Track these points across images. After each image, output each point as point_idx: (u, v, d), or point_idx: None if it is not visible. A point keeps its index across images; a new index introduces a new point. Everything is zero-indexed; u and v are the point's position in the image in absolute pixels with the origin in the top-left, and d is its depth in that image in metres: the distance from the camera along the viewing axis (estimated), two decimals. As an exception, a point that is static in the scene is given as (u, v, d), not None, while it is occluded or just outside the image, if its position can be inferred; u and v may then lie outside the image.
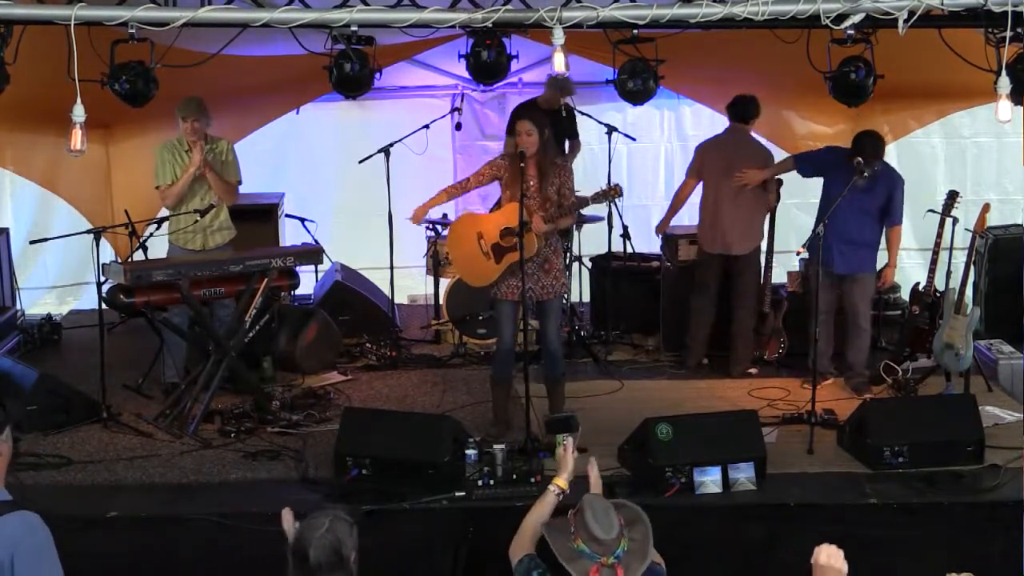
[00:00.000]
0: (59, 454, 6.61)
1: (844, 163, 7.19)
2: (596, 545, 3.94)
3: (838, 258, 7.35)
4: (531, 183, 6.68)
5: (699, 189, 8.12)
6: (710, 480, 5.99)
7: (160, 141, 7.72)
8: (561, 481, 4.56)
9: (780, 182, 8.03)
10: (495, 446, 6.18)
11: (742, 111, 8.00)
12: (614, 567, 3.93)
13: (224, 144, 7.65)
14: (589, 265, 9.18)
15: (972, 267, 7.68)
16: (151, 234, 8.34)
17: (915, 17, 5.79)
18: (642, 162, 9.17)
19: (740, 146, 8.00)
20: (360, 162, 8.78)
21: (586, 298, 9.25)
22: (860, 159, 7.04)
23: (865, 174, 6.96)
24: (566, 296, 8.67)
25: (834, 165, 7.37)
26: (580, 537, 3.98)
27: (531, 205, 6.64)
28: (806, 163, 7.80)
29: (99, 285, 7.07)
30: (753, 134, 8.14)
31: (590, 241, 9.13)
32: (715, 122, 8.40)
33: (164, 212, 7.63)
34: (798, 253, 6.96)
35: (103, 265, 7.09)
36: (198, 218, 7.45)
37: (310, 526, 3.65)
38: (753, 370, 8.03)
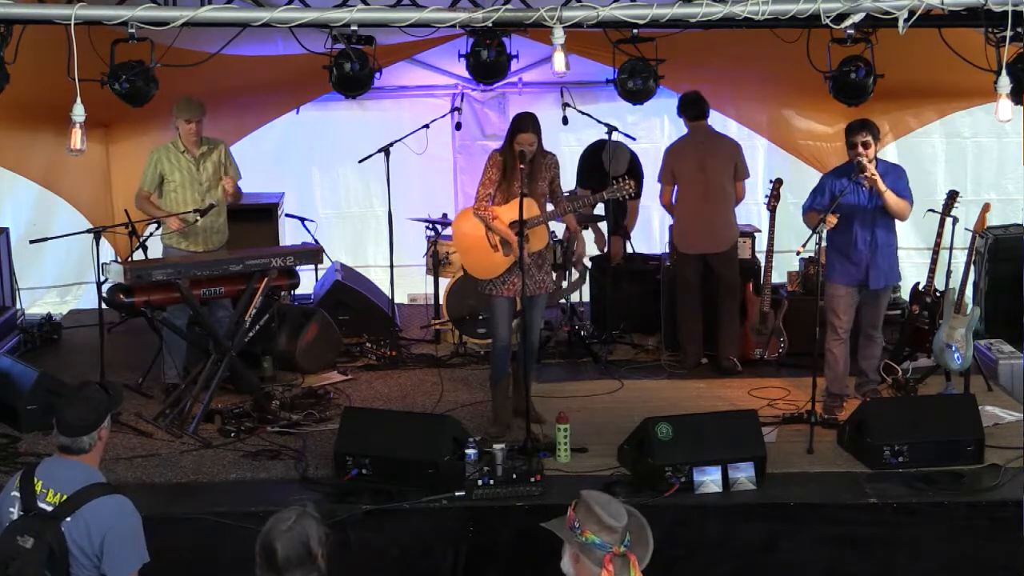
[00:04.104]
0: (59, 454, 6.61)
1: (846, 173, 7.00)
2: (608, 534, 3.88)
3: (874, 273, 7.04)
4: (523, 179, 6.69)
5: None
6: (710, 480, 5.98)
7: (160, 141, 7.72)
8: None
9: (780, 181, 8.04)
10: (495, 446, 6.17)
11: (697, 110, 8.05)
12: (626, 555, 3.87)
13: (223, 146, 7.63)
14: (589, 265, 9.18)
15: (972, 267, 7.67)
16: (151, 234, 8.35)
17: (915, 17, 5.80)
18: (642, 163, 9.16)
19: (708, 143, 8.06)
20: (360, 162, 8.79)
21: (586, 298, 9.25)
22: (859, 159, 7.00)
23: (862, 170, 6.87)
24: (565, 298, 8.74)
25: (838, 181, 7.04)
26: (588, 530, 3.92)
27: (535, 200, 6.72)
28: (814, 198, 7.13)
29: (99, 285, 7.07)
30: (732, 127, 8.15)
31: (590, 241, 9.11)
32: (715, 121, 8.40)
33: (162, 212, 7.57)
34: (798, 253, 6.94)
35: (103, 265, 7.09)
36: (198, 218, 7.44)
37: (277, 520, 3.64)
38: (738, 365, 8.01)
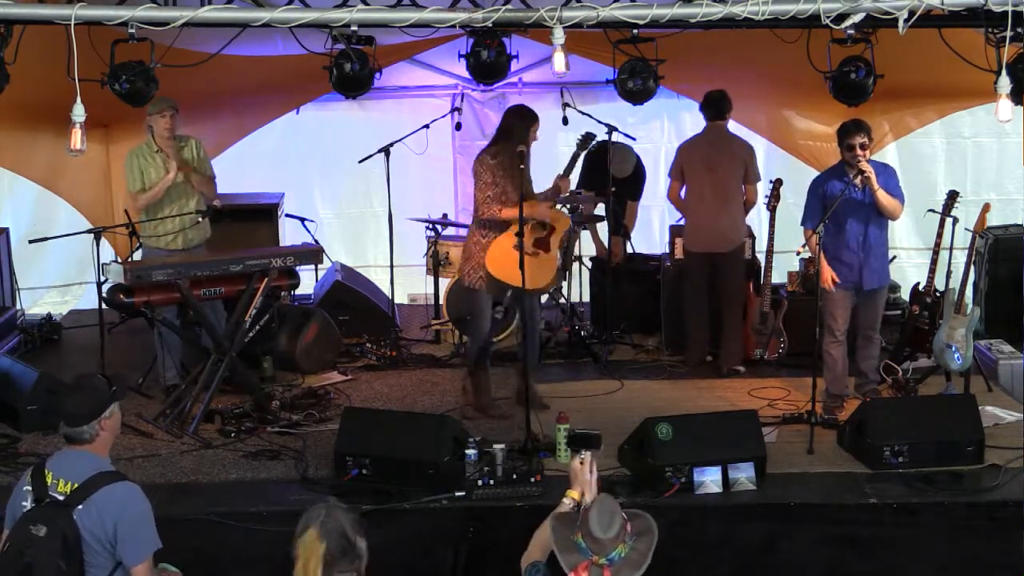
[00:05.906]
0: (59, 454, 6.61)
1: (837, 176, 7.02)
2: (592, 542, 3.94)
3: (868, 274, 7.04)
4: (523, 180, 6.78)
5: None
6: (710, 480, 5.99)
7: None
8: (575, 493, 4.47)
9: (780, 181, 8.03)
10: (495, 446, 6.18)
11: (717, 109, 7.98)
12: (603, 569, 3.93)
13: (194, 141, 7.61)
14: (589, 265, 9.18)
15: (972, 267, 7.67)
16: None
17: (915, 17, 5.80)
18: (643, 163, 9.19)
19: (719, 143, 8.01)
20: (360, 162, 8.79)
21: (586, 298, 9.25)
22: (858, 162, 6.97)
23: (862, 170, 6.85)
24: (563, 297, 8.75)
25: (828, 184, 7.04)
26: (581, 531, 3.99)
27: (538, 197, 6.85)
28: (811, 214, 7.09)
29: (99, 285, 7.08)
30: (730, 127, 8.14)
31: (590, 241, 9.12)
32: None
33: (164, 212, 7.54)
34: (798, 253, 6.94)
35: (103, 265, 7.09)
36: (199, 219, 7.45)
37: (309, 519, 3.65)
38: (741, 368, 8.03)
